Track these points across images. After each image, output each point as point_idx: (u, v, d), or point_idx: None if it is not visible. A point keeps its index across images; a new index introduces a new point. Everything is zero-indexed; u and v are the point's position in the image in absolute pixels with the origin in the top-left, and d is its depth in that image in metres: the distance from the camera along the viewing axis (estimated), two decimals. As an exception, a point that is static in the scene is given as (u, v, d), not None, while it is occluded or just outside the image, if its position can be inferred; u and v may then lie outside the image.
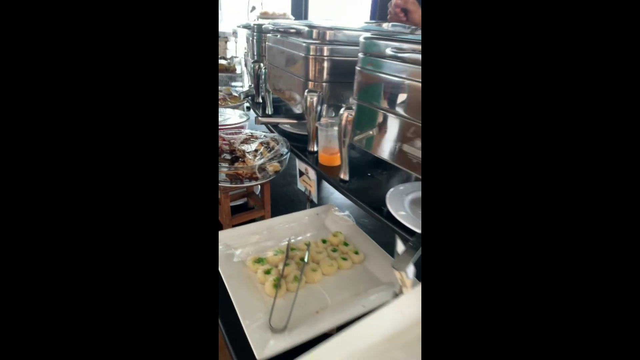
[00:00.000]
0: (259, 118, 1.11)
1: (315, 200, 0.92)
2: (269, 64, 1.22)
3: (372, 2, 1.90)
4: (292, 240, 0.83)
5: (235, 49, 2.91)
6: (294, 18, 2.23)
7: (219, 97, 1.56)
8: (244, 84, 2.07)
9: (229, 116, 1.34)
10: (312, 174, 0.90)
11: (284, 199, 1.25)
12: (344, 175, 0.80)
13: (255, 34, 1.40)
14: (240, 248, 0.79)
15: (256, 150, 0.93)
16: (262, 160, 0.87)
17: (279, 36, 1.09)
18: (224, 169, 0.86)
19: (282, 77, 1.09)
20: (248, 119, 1.31)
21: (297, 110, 1.02)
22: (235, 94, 1.64)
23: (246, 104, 1.60)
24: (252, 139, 1.00)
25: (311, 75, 0.90)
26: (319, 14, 2.76)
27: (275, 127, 1.21)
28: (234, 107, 1.54)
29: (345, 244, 0.82)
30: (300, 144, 1.07)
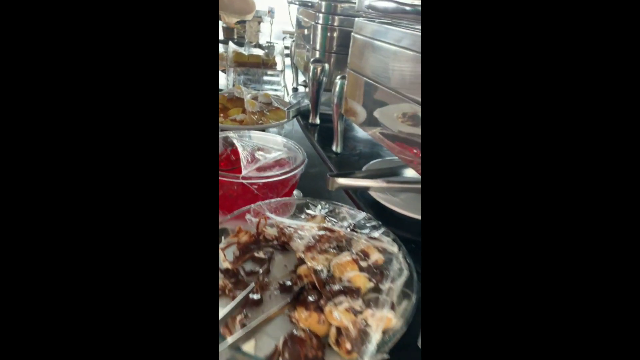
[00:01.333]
0: (336, 180, 0.58)
1: None
2: (351, 72, 0.69)
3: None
4: None
5: (270, 33, 2.39)
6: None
7: (254, 110, 1.04)
8: (285, 85, 1.54)
9: (274, 152, 0.80)
10: None
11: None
12: None
13: (321, 14, 0.86)
14: None
15: (351, 293, 0.40)
16: (373, 337, 0.35)
17: (386, 23, 0.56)
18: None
19: (391, 102, 0.56)
20: (304, 161, 0.78)
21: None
22: (276, 104, 1.11)
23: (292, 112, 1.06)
24: (332, 242, 0.48)
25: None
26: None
27: (354, 191, 0.69)
28: (275, 126, 1.02)
29: None
30: (412, 236, 0.55)
